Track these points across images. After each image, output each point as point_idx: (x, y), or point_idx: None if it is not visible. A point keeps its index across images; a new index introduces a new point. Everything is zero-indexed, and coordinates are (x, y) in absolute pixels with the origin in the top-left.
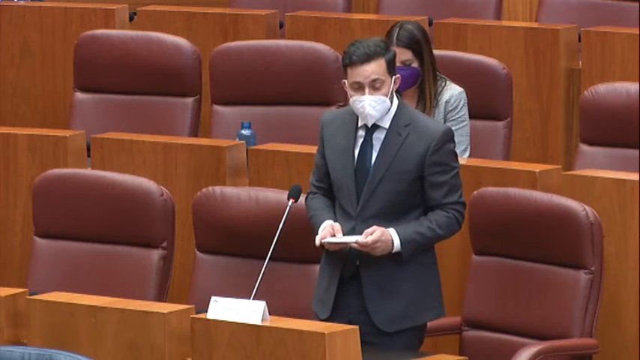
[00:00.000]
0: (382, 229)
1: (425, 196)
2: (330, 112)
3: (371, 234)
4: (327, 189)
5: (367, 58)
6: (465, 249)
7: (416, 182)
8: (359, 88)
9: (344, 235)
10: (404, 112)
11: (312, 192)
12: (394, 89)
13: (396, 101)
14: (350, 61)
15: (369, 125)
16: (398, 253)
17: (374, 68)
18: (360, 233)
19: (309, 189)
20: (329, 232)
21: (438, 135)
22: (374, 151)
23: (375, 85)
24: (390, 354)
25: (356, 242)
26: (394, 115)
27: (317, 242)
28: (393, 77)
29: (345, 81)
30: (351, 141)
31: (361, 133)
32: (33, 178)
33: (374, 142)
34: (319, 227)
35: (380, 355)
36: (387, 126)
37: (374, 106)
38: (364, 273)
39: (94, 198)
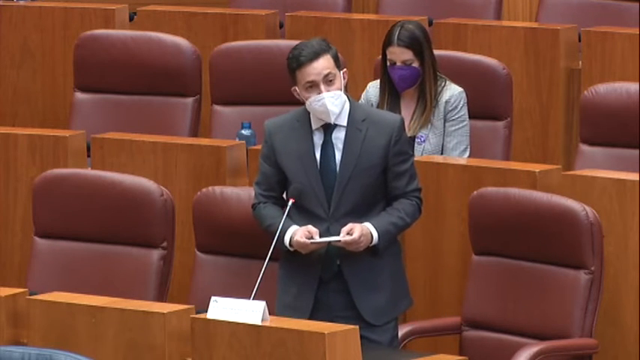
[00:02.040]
0: (359, 224)
1: (388, 187)
2: (273, 120)
3: (349, 231)
4: (278, 197)
5: (315, 56)
6: (465, 249)
7: (382, 175)
8: (313, 86)
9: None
10: (357, 107)
11: (260, 202)
12: (345, 84)
13: (346, 98)
14: (298, 62)
15: (332, 122)
16: (373, 246)
17: (324, 64)
18: (336, 233)
19: (254, 199)
20: (304, 234)
21: (397, 125)
22: (337, 151)
23: (328, 79)
24: (390, 353)
25: (340, 241)
26: (350, 112)
27: (297, 245)
28: (342, 71)
29: (296, 87)
30: (308, 145)
31: (318, 135)
32: (33, 178)
33: (334, 141)
34: (285, 233)
35: (379, 354)
36: (345, 123)
37: (333, 101)
38: (347, 270)
39: (94, 198)
